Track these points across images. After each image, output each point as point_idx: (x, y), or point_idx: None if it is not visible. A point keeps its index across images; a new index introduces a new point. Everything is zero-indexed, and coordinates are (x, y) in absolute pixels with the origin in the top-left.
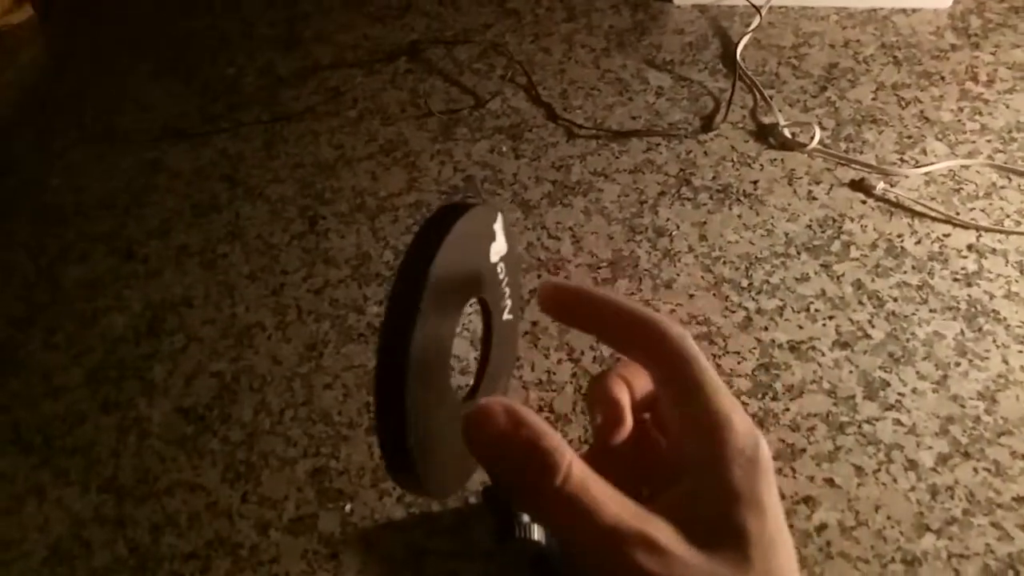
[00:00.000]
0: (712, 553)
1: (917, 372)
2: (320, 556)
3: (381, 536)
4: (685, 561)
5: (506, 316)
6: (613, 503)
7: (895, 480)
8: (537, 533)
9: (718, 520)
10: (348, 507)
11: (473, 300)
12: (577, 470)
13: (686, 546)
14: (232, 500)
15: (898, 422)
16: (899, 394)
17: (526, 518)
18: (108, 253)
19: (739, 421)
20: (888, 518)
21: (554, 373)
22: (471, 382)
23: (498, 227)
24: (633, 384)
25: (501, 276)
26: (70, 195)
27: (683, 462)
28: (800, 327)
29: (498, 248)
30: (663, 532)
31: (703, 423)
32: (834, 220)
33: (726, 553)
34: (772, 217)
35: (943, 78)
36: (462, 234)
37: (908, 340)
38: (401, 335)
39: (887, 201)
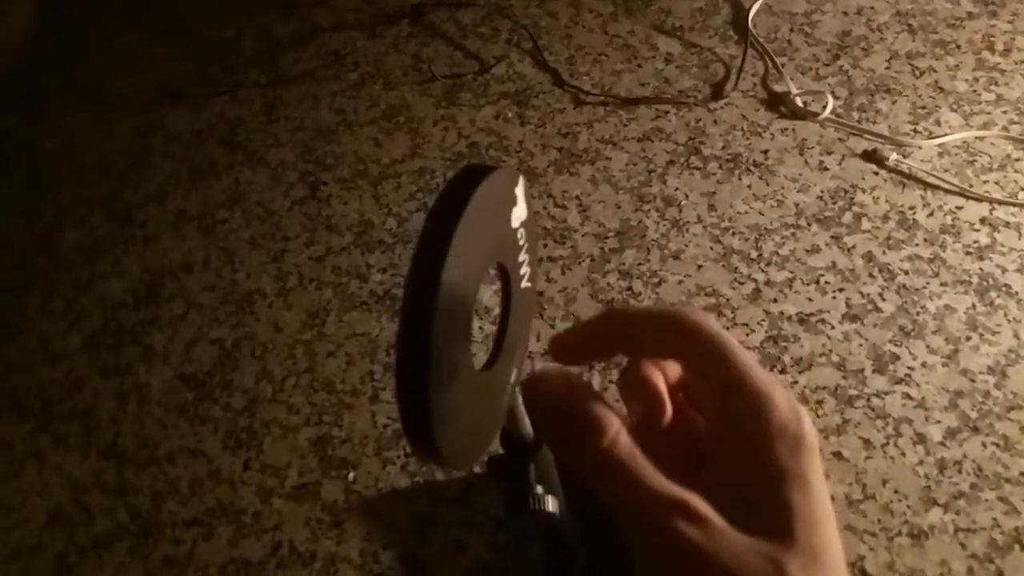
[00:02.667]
0: (754, 529)
1: (927, 346)
2: (324, 524)
3: (385, 505)
4: (726, 534)
5: (524, 284)
6: (658, 469)
7: (903, 454)
8: (551, 505)
9: (762, 497)
10: (351, 475)
11: (492, 267)
12: (625, 438)
13: (726, 521)
14: (234, 467)
15: (907, 396)
16: (909, 368)
17: (540, 490)
18: (105, 218)
19: (780, 397)
20: (895, 492)
21: None
22: (487, 353)
23: (519, 191)
24: (665, 368)
25: (521, 242)
26: (66, 159)
27: (723, 441)
28: (810, 299)
29: (519, 213)
30: (704, 505)
31: (742, 402)
32: (845, 191)
33: (769, 528)
34: (782, 187)
35: (959, 47)
36: (486, 196)
37: (919, 314)
38: (426, 302)
39: (900, 172)
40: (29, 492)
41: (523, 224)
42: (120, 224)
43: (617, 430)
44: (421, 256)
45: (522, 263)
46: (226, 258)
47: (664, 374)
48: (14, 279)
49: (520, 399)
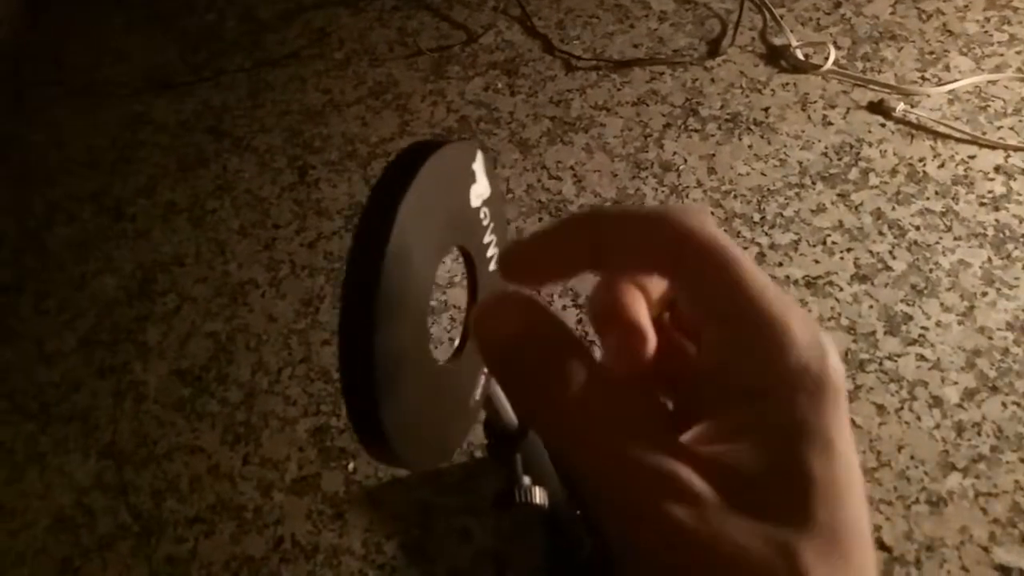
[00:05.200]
0: (762, 505)
1: (941, 304)
2: (325, 516)
3: (387, 494)
4: (725, 515)
5: (493, 267)
6: (642, 431)
7: (919, 418)
8: (539, 496)
9: (773, 463)
10: (351, 466)
11: (454, 251)
12: (598, 388)
13: (727, 497)
14: (233, 462)
15: (922, 357)
16: (922, 328)
17: (527, 481)
18: (96, 213)
19: (799, 328)
20: (912, 458)
21: None
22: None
23: (478, 167)
24: (646, 285)
25: (485, 222)
26: (54, 153)
27: (723, 386)
28: (816, 261)
29: (479, 190)
30: (697, 479)
31: (750, 334)
32: (851, 146)
33: (780, 504)
34: (785, 146)
35: None
36: (435, 174)
37: (931, 270)
38: (365, 291)
39: (908, 123)
40: (32, 495)
41: (486, 203)
42: (111, 219)
43: (586, 377)
44: (359, 243)
45: (488, 245)
46: (217, 249)
47: (645, 293)
48: (6, 279)
49: (501, 392)
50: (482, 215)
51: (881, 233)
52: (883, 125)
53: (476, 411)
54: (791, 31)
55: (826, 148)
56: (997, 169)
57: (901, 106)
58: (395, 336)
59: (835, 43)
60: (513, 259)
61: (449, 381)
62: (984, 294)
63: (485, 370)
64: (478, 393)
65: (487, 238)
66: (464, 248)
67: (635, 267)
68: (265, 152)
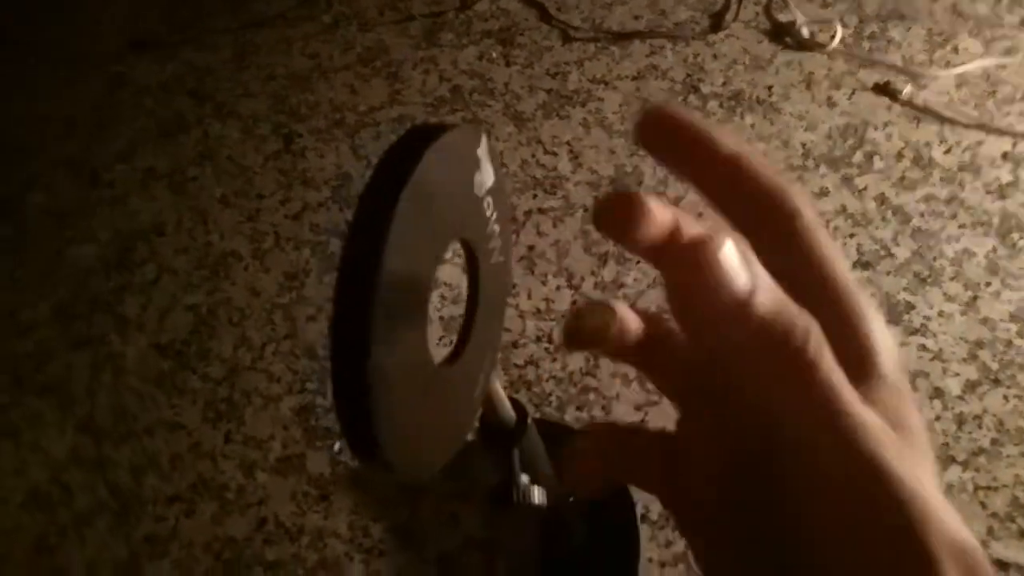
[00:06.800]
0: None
1: (944, 293)
2: (310, 497)
3: (373, 476)
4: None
5: (495, 259)
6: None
7: (919, 410)
8: (537, 496)
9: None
10: (337, 446)
11: (454, 244)
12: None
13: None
14: (215, 440)
15: (923, 347)
16: (925, 317)
17: (525, 479)
18: (73, 180)
19: (876, 320)
20: None
21: (552, 301)
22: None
23: (483, 153)
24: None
25: (488, 212)
26: (29, 119)
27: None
28: None
29: (483, 179)
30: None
31: (839, 316)
32: (856, 128)
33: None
34: (788, 126)
35: None
36: (438, 162)
37: (935, 259)
38: (360, 297)
39: (914, 106)
40: (6, 471)
41: (490, 191)
42: (88, 186)
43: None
44: (356, 239)
45: (491, 236)
46: (198, 218)
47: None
48: None
49: (498, 385)
50: (486, 205)
51: (885, 219)
52: (889, 108)
53: (475, 412)
54: (797, 7)
55: (830, 130)
56: (1004, 156)
57: (908, 88)
58: (392, 343)
59: (842, 21)
60: (654, 124)
61: (447, 384)
62: (988, 284)
63: (485, 369)
64: (477, 392)
65: (490, 228)
66: (466, 240)
67: (742, 210)
68: (249, 118)
